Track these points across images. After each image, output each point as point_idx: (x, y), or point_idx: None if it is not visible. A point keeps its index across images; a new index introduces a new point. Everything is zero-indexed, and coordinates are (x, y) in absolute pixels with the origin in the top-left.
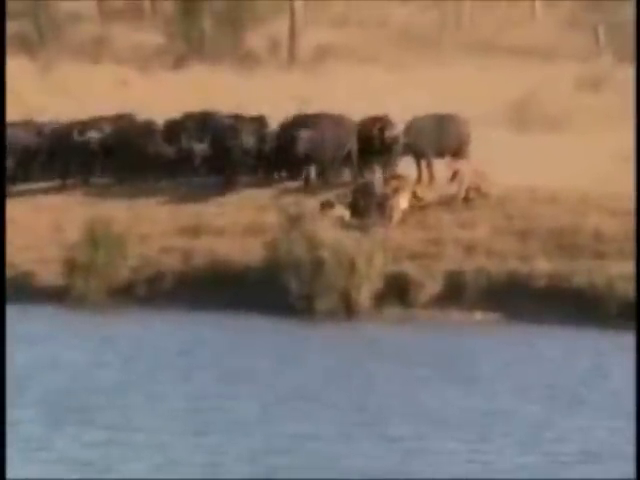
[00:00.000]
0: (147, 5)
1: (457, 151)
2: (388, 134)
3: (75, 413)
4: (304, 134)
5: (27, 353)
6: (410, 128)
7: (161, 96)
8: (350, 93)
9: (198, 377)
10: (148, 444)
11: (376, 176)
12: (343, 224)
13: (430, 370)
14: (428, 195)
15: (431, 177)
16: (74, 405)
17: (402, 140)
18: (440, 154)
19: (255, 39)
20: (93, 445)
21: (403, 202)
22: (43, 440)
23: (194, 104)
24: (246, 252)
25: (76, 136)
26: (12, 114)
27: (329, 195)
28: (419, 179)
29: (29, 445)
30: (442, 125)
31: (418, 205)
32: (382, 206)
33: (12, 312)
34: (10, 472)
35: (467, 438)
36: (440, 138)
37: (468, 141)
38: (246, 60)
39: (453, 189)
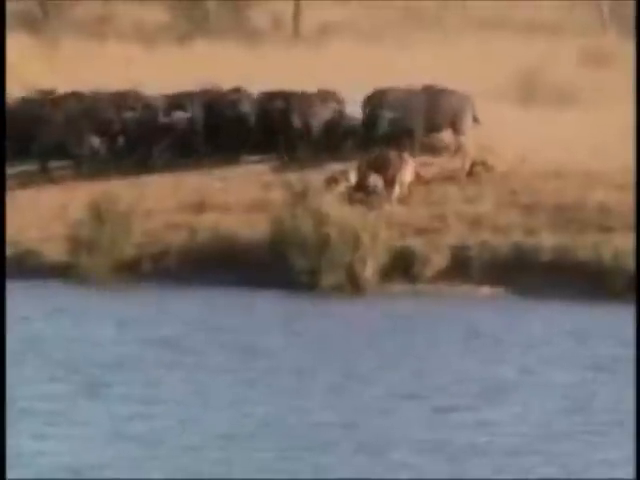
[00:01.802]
0: None
1: (451, 126)
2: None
3: (88, 387)
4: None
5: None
6: (396, 103)
7: (166, 72)
8: (353, 70)
9: (206, 352)
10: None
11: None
12: (348, 199)
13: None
14: (428, 172)
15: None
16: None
17: (387, 115)
18: (431, 129)
19: (259, 16)
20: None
21: (408, 176)
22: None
23: (199, 80)
24: (251, 228)
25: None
26: (16, 92)
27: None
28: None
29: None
30: (433, 100)
31: (420, 181)
32: (388, 181)
33: (18, 290)
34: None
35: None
36: (430, 113)
37: (463, 115)
38: (250, 37)
39: (457, 164)
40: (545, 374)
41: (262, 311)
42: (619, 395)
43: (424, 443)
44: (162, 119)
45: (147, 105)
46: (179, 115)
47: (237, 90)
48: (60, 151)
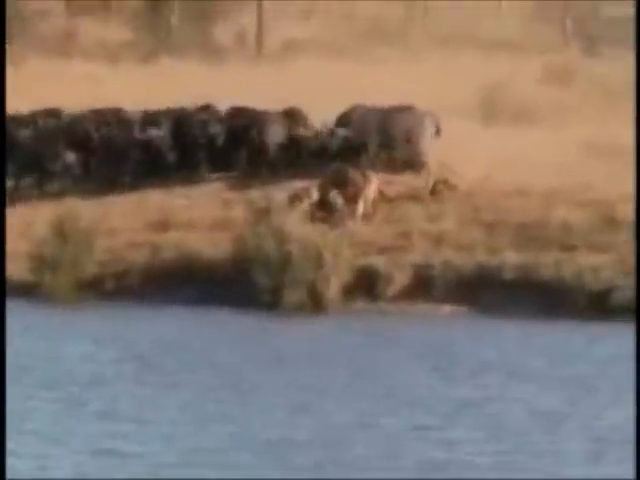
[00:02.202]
0: (114, 0)
1: (407, 142)
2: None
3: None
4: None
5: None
6: (354, 120)
7: (130, 90)
8: (317, 86)
9: (167, 369)
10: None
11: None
12: (311, 217)
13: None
14: (391, 190)
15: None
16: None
17: (342, 133)
18: (386, 147)
19: (223, 33)
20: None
21: (371, 194)
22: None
23: (163, 97)
24: (215, 246)
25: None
26: None
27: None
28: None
29: None
30: (389, 117)
31: (383, 199)
32: (350, 199)
33: None
34: None
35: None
36: (386, 130)
37: (419, 132)
38: (214, 53)
39: (420, 182)
40: (511, 391)
41: (225, 329)
42: (587, 412)
43: (388, 460)
44: (138, 135)
45: (124, 121)
46: (153, 132)
47: (206, 108)
48: (33, 167)
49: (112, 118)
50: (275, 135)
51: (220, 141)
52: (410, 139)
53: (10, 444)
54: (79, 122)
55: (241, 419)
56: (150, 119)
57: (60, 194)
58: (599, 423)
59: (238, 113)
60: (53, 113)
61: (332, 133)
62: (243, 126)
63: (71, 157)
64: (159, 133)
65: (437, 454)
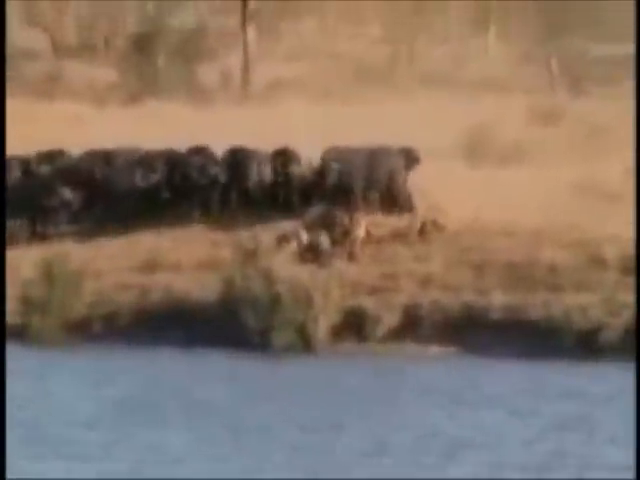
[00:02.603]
0: (100, 41)
1: (389, 184)
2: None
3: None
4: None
5: None
6: (340, 161)
7: (116, 131)
8: (303, 127)
9: (156, 412)
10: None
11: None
12: (299, 258)
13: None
14: (379, 230)
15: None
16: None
17: (335, 167)
18: (371, 188)
19: (208, 73)
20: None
21: (358, 235)
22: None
23: (149, 139)
24: (202, 287)
25: None
26: None
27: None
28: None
29: None
30: (370, 159)
31: (371, 240)
32: (338, 239)
33: None
34: None
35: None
36: (370, 171)
37: (399, 171)
38: (200, 95)
39: (408, 222)
40: (500, 432)
41: (214, 370)
42: (575, 451)
43: None
44: (138, 180)
45: (117, 163)
46: (151, 176)
47: (200, 150)
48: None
49: (105, 160)
50: (265, 175)
51: (219, 183)
52: (392, 179)
53: None
54: (74, 165)
55: (237, 458)
56: (143, 161)
57: (50, 236)
58: (592, 461)
59: (232, 154)
60: (49, 156)
61: (324, 168)
62: (236, 167)
63: (64, 197)
64: (155, 177)
65: None
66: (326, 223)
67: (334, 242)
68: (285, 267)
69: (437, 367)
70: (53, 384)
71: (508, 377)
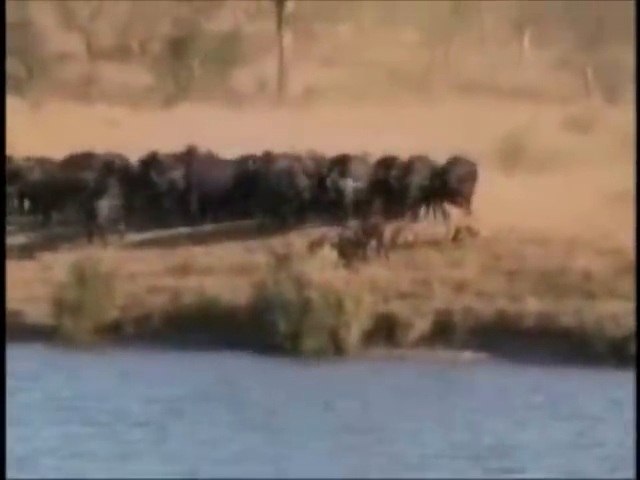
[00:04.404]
0: (135, 45)
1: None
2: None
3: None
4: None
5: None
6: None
7: (150, 135)
8: (339, 132)
9: (188, 416)
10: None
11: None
12: (332, 264)
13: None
14: (413, 236)
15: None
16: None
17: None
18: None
19: (244, 78)
20: None
21: (394, 240)
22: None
23: (183, 143)
24: (234, 291)
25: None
26: None
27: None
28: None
29: None
30: (443, 168)
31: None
32: (374, 244)
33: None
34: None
35: None
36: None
37: (471, 181)
38: (235, 99)
39: (442, 228)
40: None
41: (245, 373)
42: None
43: None
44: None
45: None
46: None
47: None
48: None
49: (142, 162)
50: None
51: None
52: (461, 189)
53: None
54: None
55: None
56: (177, 164)
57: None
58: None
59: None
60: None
61: (403, 180)
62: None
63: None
64: (184, 178)
65: None
66: (364, 229)
67: (371, 246)
68: (317, 272)
69: (468, 373)
70: (84, 384)
71: (540, 384)
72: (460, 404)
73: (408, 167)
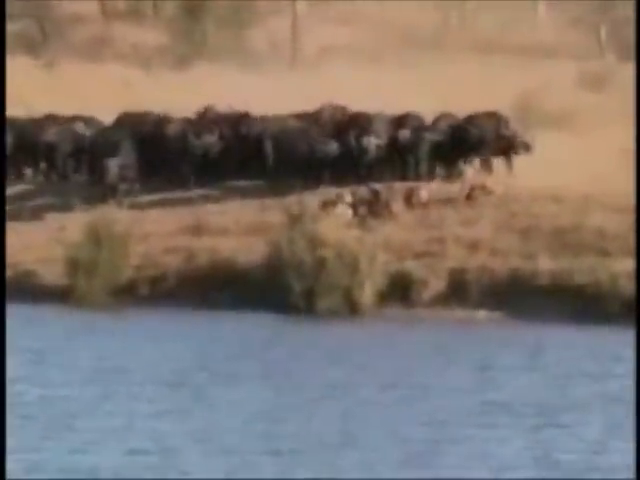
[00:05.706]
0: (149, 5)
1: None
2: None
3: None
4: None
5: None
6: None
7: (164, 95)
8: (353, 92)
9: (201, 377)
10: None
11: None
12: (346, 223)
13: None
14: (427, 194)
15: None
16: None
17: (429, 137)
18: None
19: (257, 38)
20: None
21: (408, 199)
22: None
23: (197, 103)
24: (249, 251)
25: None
26: (14, 112)
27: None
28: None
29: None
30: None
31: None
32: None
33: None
34: None
35: None
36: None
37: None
38: (249, 59)
39: (456, 187)
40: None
41: (255, 334)
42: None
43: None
44: (190, 141)
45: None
46: (207, 139)
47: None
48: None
49: (162, 123)
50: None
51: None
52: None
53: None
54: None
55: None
56: (202, 124)
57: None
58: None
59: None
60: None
61: (419, 138)
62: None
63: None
64: (212, 139)
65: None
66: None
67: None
68: (331, 232)
69: (483, 332)
70: (101, 346)
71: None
72: (473, 362)
73: (423, 124)
